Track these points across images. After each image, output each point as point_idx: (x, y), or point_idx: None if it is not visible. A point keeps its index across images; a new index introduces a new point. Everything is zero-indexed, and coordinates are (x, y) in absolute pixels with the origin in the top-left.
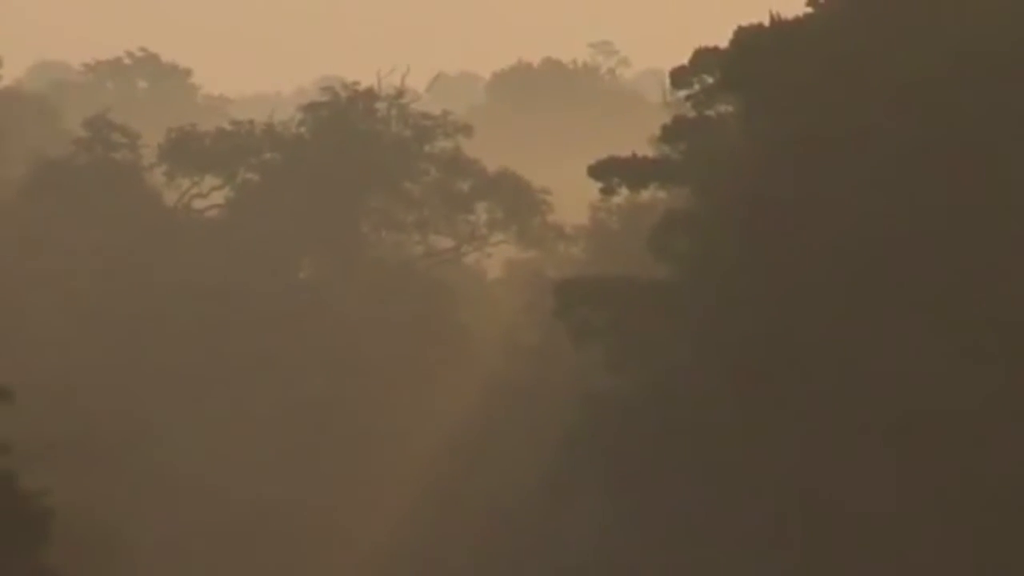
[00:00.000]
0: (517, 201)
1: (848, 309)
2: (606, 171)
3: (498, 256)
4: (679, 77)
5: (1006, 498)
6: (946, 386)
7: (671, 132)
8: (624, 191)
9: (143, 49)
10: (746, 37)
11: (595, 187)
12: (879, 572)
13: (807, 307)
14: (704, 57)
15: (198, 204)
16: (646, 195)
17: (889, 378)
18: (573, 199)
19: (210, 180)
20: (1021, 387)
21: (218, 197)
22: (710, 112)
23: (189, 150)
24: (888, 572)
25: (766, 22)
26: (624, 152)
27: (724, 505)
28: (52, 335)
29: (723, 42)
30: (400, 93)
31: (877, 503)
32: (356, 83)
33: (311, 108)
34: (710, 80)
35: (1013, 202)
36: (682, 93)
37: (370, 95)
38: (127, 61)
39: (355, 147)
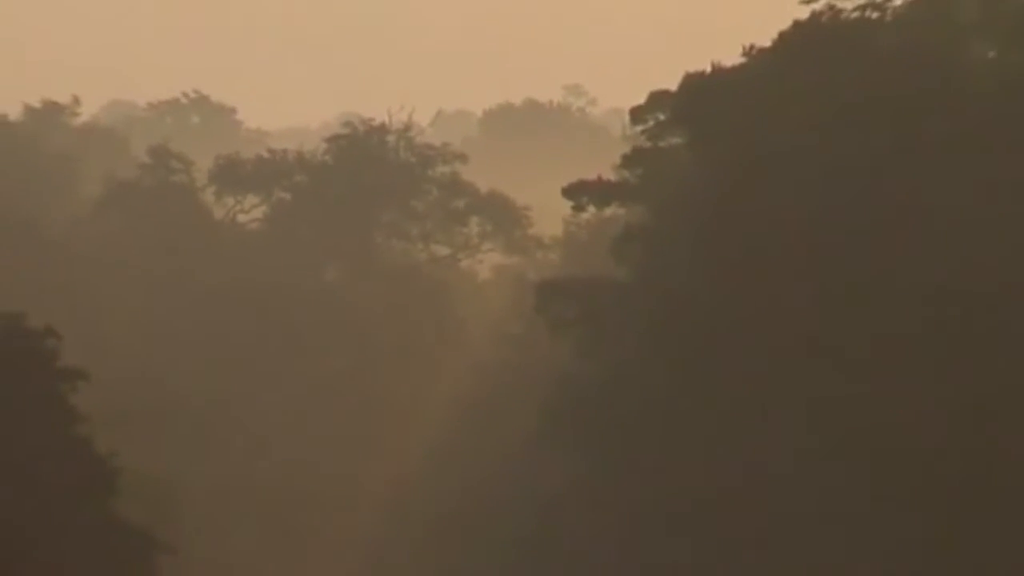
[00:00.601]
0: (503, 216)
1: (778, 306)
2: (576, 192)
3: (488, 262)
4: (636, 115)
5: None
6: (874, 379)
7: (630, 160)
8: (591, 208)
9: (196, 91)
10: (692, 82)
11: (567, 205)
12: (807, 525)
13: (742, 304)
14: (657, 98)
15: (241, 218)
16: (609, 211)
17: (807, 364)
18: (549, 215)
19: (251, 199)
20: (943, 389)
21: (257, 213)
22: (662, 143)
23: (233, 174)
24: (815, 532)
25: (709, 70)
26: (591, 176)
27: (670, 464)
28: (125, 325)
29: (673, 85)
30: (407, 127)
31: (797, 470)
32: (371, 119)
33: (334, 139)
34: (662, 117)
35: (920, 207)
36: (639, 128)
37: (382, 129)
38: (183, 101)
39: (370, 171)
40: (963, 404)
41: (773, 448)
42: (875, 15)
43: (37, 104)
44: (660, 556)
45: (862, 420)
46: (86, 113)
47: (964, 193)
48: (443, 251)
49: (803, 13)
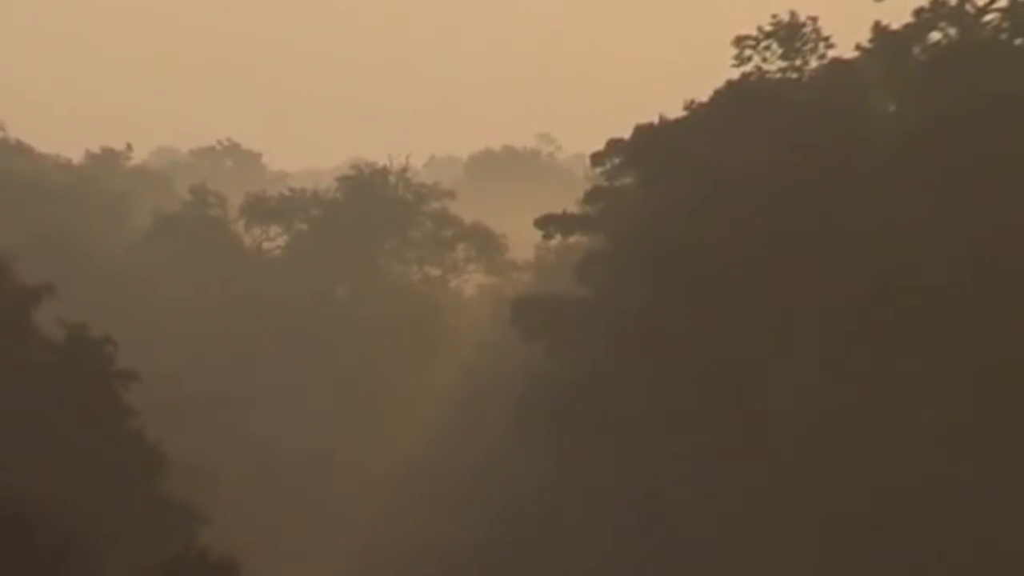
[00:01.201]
0: (485, 244)
1: (714, 316)
2: (546, 223)
3: (472, 281)
4: (596, 159)
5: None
6: (802, 383)
7: (590, 196)
8: (558, 237)
9: (228, 139)
10: (642, 131)
11: (538, 234)
12: (754, 509)
13: (686, 315)
14: (613, 145)
15: (266, 245)
16: (573, 239)
17: (741, 365)
18: (523, 242)
19: (274, 229)
20: (877, 394)
21: (280, 241)
22: (617, 183)
23: (260, 209)
24: (762, 513)
25: (656, 121)
26: (558, 210)
27: (625, 450)
28: (169, 334)
29: (627, 133)
30: (404, 169)
31: (737, 462)
32: (375, 163)
33: (344, 180)
34: (617, 161)
35: (830, 233)
36: (598, 169)
37: (384, 171)
38: (218, 148)
39: (374, 207)
40: (899, 409)
41: (716, 439)
42: (794, 75)
43: (97, 150)
44: (621, 522)
45: (795, 418)
46: (137, 157)
47: (871, 221)
48: (435, 272)
49: (736, 73)
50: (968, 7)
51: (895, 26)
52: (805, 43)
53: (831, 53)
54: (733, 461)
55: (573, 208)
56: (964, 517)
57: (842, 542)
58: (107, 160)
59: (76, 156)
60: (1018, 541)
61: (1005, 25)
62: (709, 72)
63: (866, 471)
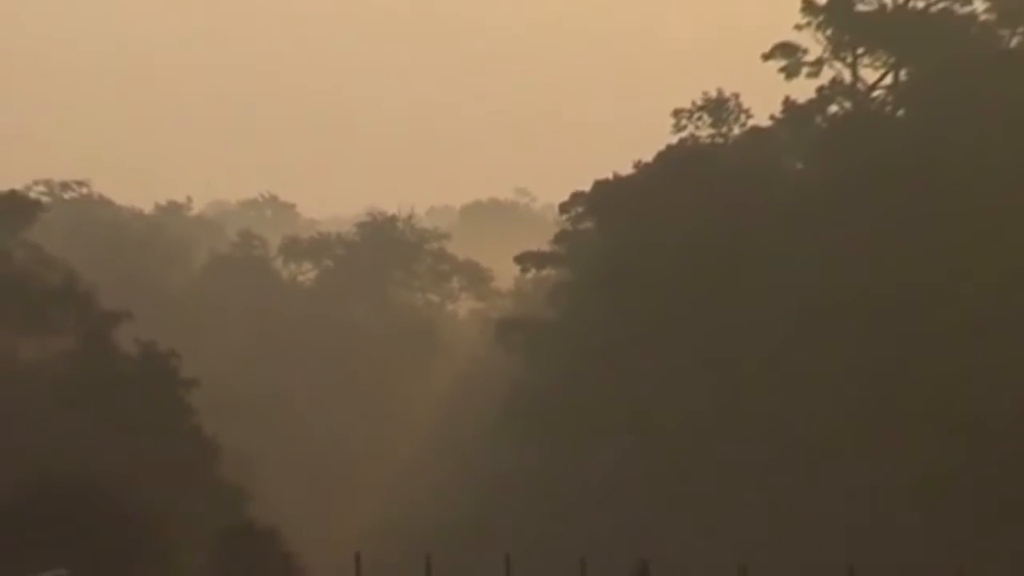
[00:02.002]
0: (474, 276)
1: (660, 332)
2: (523, 259)
3: (464, 306)
4: (563, 208)
5: None
6: (726, 385)
7: (558, 238)
8: (533, 270)
9: (269, 192)
10: (599, 185)
11: (517, 268)
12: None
13: (637, 332)
14: (576, 197)
15: (300, 279)
16: (545, 272)
17: (689, 373)
18: (506, 275)
19: (306, 265)
20: (805, 396)
21: (311, 275)
22: (580, 227)
23: (295, 249)
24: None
25: (611, 177)
26: (533, 249)
27: (592, 443)
28: (223, 349)
29: (587, 187)
30: (410, 216)
31: (683, 454)
32: (384, 211)
33: (361, 225)
34: (580, 209)
35: (744, 267)
36: (564, 216)
37: (393, 218)
38: (260, 199)
39: (385, 246)
40: (806, 413)
41: (664, 431)
42: (720, 140)
43: (164, 202)
44: (587, 499)
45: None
46: (196, 208)
47: (777, 257)
48: (434, 299)
49: (675, 138)
50: (860, 85)
51: (801, 100)
52: (729, 114)
53: (751, 122)
54: (679, 448)
55: (545, 247)
56: None
57: (785, 528)
58: (172, 211)
59: (147, 207)
60: None
61: (889, 99)
62: (655, 136)
63: (782, 465)
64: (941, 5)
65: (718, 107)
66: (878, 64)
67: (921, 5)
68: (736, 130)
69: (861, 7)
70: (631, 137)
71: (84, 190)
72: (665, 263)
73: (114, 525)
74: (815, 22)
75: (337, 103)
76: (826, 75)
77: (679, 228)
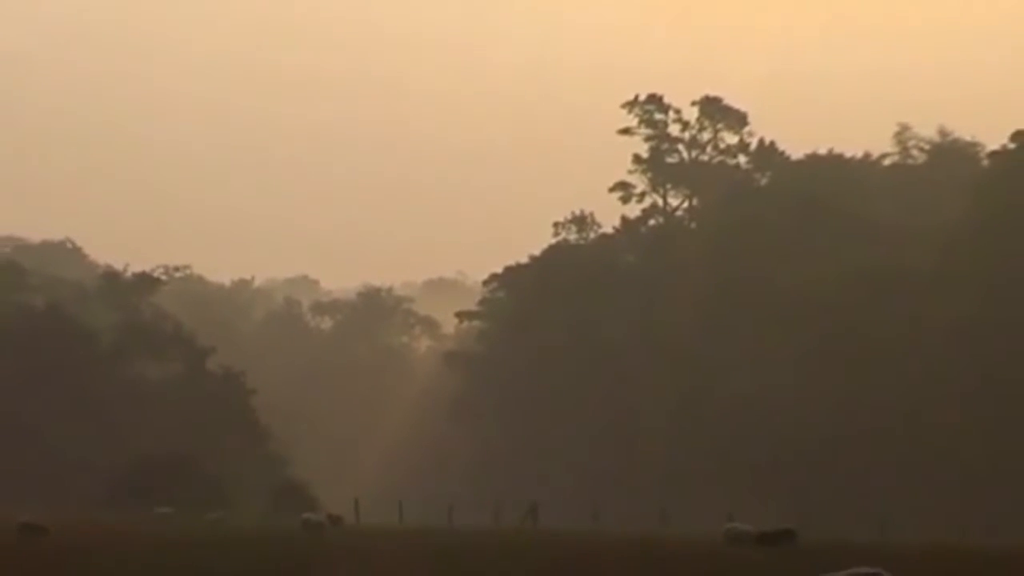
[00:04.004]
0: (430, 326)
1: (548, 359)
2: (461, 315)
3: (423, 344)
4: (485, 283)
5: None
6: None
7: (482, 303)
8: (467, 322)
9: (304, 274)
10: (507, 270)
11: (457, 320)
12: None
13: (531, 359)
14: (494, 276)
15: (322, 327)
16: (474, 323)
17: (566, 392)
18: (450, 325)
19: (326, 319)
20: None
21: (329, 325)
22: (498, 295)
23: (318, 309)
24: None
25: (513, 264)
26: (467, 309)
27: (512, 421)
28: (272, 372)
29: (499, 269)
30: (390, 288)
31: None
32: (378, 287)
33: (359, 295)
34: (495, 285)
35: (611, 340)
36: (487, 288)
37: (379, 289)
38: (295, 277)
39: (375, 308)
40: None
41: (587, 422)
42: (583, 243)
43: (235, 279)
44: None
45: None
46: (256, 282)
47: (618, 327)
48: (405, 340)
49: (555, 240)
50: (668, 208)
51: (632, 217)
52: (590, 224)
53: (601, 231)
54: (547, 426)
55: (474, 308)
56: None
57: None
58: (241, 284)
59: (226, 280)
60: None
61: (687, 218)
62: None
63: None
64: (719, 159)
65: (580, 221)
66: (680, 195)
67: (706, 159)
68: (592, 235)
69: (668, 160)
70: (532, 235)
71: (187, 271)
72: (549, 314)
73: (202, 482)
74: (640, 169)
75: (344, 197)
76: (647, 201)
77: (558, 299)
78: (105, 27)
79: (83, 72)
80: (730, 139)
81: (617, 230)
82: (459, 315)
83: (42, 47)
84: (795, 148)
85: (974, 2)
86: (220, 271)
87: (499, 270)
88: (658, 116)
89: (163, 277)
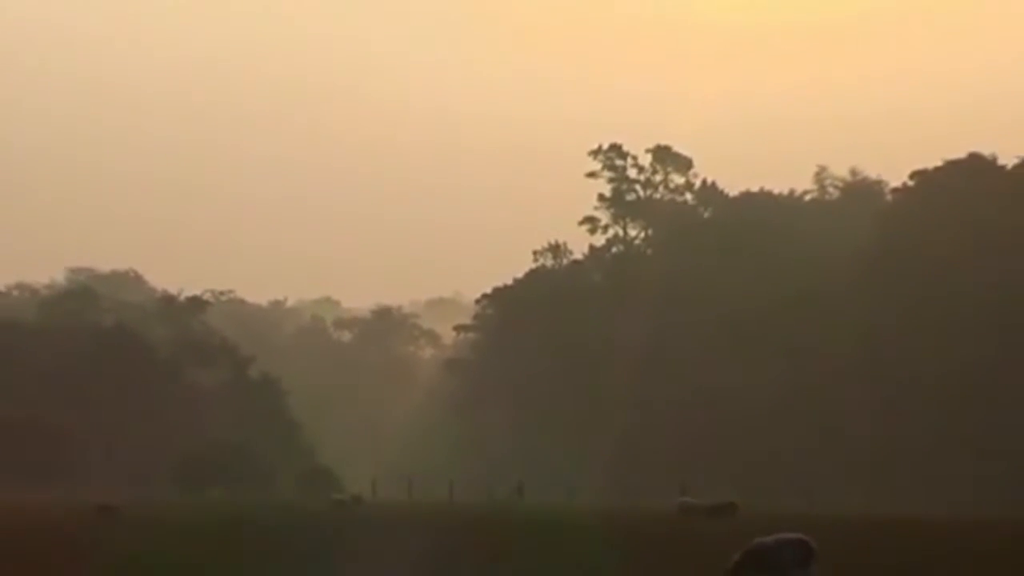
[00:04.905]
0: (432, 337)
1: (532, 363)
2: (458, 328)
3: (427, 352)
4: (477, 303)
5: None
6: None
7: (476, 317)
8: (463, 334)
9: (328, 296)
10: (496, 291)
11: (455, 333)
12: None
13: (516, 364)
14: (485, 296)
15: (344, 340)
16: (470, 335)
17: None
18: (449, 336)
19: (347, 333)
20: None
21: (348, 338)
22: (487, 312)
23: (340, 325)
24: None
25: (500, 285)
26: (463, 323)
27: (499, 415)
28: (305, 376)
29: (488, 289)
30: (400, 307)
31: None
32: (388, 306)
33: (374, 312)
34: (486, 303)
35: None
36: (478, 306)
37: (390, 308)
38: (320, 299)
39: (387, 323)
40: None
41: (563, 414)
42: (557, 269)
43: (272, 300)
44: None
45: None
46: (288, 303)
47: (589, 352)
48: (411, 349)
49: (535, 265)
50: (628, 238)
51: (598, 245)
52: (563, 252)
53: (574, 257)
54: (532, 415)
55: (469, 322)
56: None
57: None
58: (276, 305)
59: (263, 301)
60: None
61: (644, 246)
62: (525, 262)
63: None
64: (669, 196)
65: (555, 250)
66: (637, 227)
67: (658, 196)
68: (565, 262)
69: (627, 198)
70: (516, 261)
71: (231, 294)
72: (528, 327)
73: (246, 468)
74: (604, 205)
75: (361, 232)
76: (610, 232)
77: (537, 314)
78: (174, 98)
79: (150, 131)
80: (678, 180)
81: (586, 256)
82: (456, 328)
83: (110, 106)
84: (732, 187)
85: (878, 62)
86: (258, 294)
87: (489, 291)
88: (618, 162)
89: (211, 300)
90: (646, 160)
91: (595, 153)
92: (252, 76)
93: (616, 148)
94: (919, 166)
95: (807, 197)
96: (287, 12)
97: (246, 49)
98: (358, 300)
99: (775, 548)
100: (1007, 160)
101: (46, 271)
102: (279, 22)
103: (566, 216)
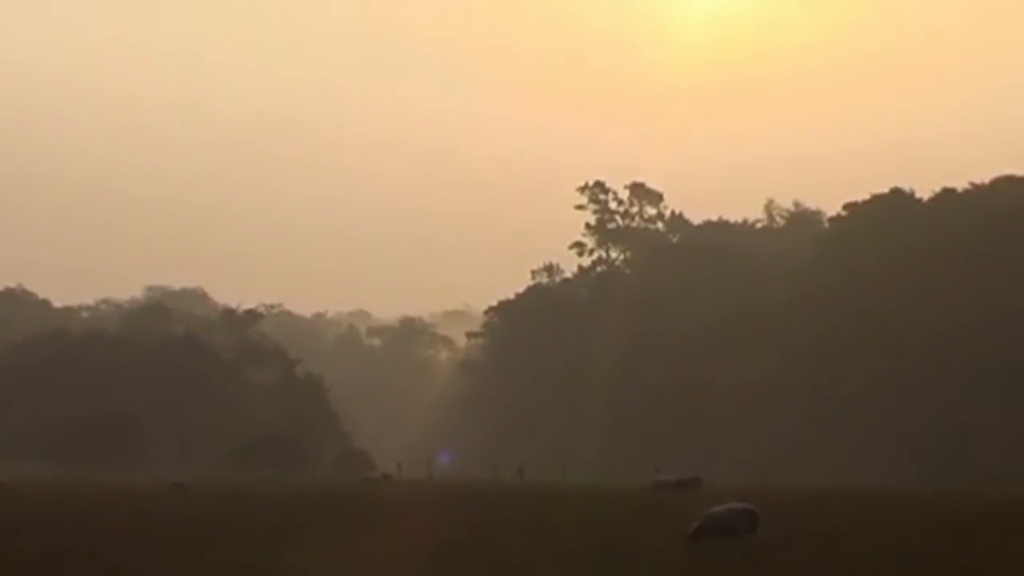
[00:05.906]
0: (448, 343)
1: (530, 374)
2: (470, 335)
3: (443, 355)
4: (486, 314)
5: None
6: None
7: (484, 326)
8: (475, 339)
9: (361, 308)
10: (501, 303)
11: (467, 339)
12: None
13: (522, 369)
14: (491, 308)
15: (374, 345)
16: (480, 340)
17: (547, 395)
18: (462, 342)
19: (376, 340)
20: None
21: (378, 343)
22: (495, 322)
23: (370, 333)
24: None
25: (506, 298)
26: (473, 330)
27: (511, 411)
28: (343, 376)
29: (494, 302)
30: (419, 318)
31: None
32: (409, 316)
33: (399, 321)
34: (493, 314)
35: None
36: (486, 317)
37: (412, 319)
38: (351, 310)
39: (410, 331)
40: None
41: (556, 406)
42: (552, 286)
43: (315, 312)
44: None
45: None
46: (328, 315)
47: (577, 363)
48: (431, 352)
49: (534, 280)
50: (610, 259)
51: (584, 265)
52: (557, 271)
53: (565, 275)
54: (531, 408)
55: (478, 330)
56: None
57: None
58: (318, 316)
59: (307, 313)
60: None
61: (624, 267)
62: (525, 280)
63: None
64: (644, 225)
65: (550, 269)
66: (618, 251)
67: (635, 225)
68: (558, 279)
69: (609, 226)
70: (517, 279)
71: (281, 307)
72: (527, 339)
73: (294, 452)
74: (590, 233)
75: (389, 254)
76: (595, 255)
77: (535, 324)
78: (246, 147)
79: (223, 175)
80: (651, 211)
81: (575, 275)
82: (468, 335)
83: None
84: (696, 216)
85: (816, 113)
86: (303, 307)
87: (495, 303)
88: (602, 196)
89: (264, 312)
90: (625, 195)
91: (583, 189)
92: (306, 124)
93: (600, 185)
94: (850, 199)
95: (758, 225)
96: (322, 71)
97: (298, 99)
98: (386, 312)
99: (727, 515)
100: (923, 194)
101: (128, 289)
102: (321, 72)
103: (559, 241)
